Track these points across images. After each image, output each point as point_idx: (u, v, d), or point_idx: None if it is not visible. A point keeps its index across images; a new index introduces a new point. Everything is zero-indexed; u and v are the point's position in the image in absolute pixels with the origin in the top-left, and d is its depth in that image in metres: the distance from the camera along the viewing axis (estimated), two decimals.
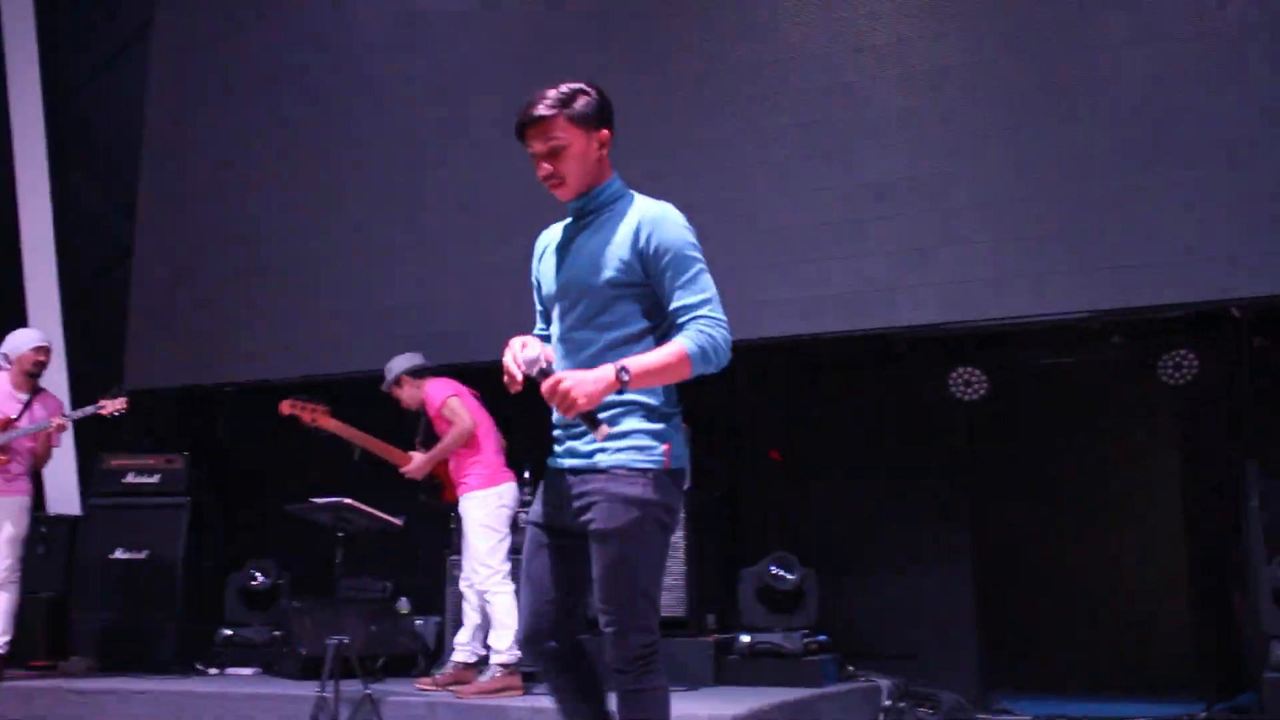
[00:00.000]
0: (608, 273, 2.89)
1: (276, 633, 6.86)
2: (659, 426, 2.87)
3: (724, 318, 2.86)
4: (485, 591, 5.81)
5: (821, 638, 6.21)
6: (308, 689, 5.64)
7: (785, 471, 7.02)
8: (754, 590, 6.31)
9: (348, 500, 5.53)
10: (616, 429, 2.82)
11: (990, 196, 6.07)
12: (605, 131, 3.00)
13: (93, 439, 8.20)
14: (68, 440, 7.92)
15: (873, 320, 6.25)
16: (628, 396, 2.82)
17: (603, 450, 2.83)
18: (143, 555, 7.31)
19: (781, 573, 6.27)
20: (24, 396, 6.70)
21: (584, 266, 2.94)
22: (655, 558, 2.88)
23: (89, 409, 6.62)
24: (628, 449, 2.82)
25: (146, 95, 8.58)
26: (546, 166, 2.96)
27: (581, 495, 2.85)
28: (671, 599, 6.30)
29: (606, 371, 2.71)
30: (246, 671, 6.88)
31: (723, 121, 6.71)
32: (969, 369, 6.27)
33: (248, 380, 7.80)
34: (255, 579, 7.18)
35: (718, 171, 6.67)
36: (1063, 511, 6.58)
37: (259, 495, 7.92)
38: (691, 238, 2.92)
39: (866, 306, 6.25)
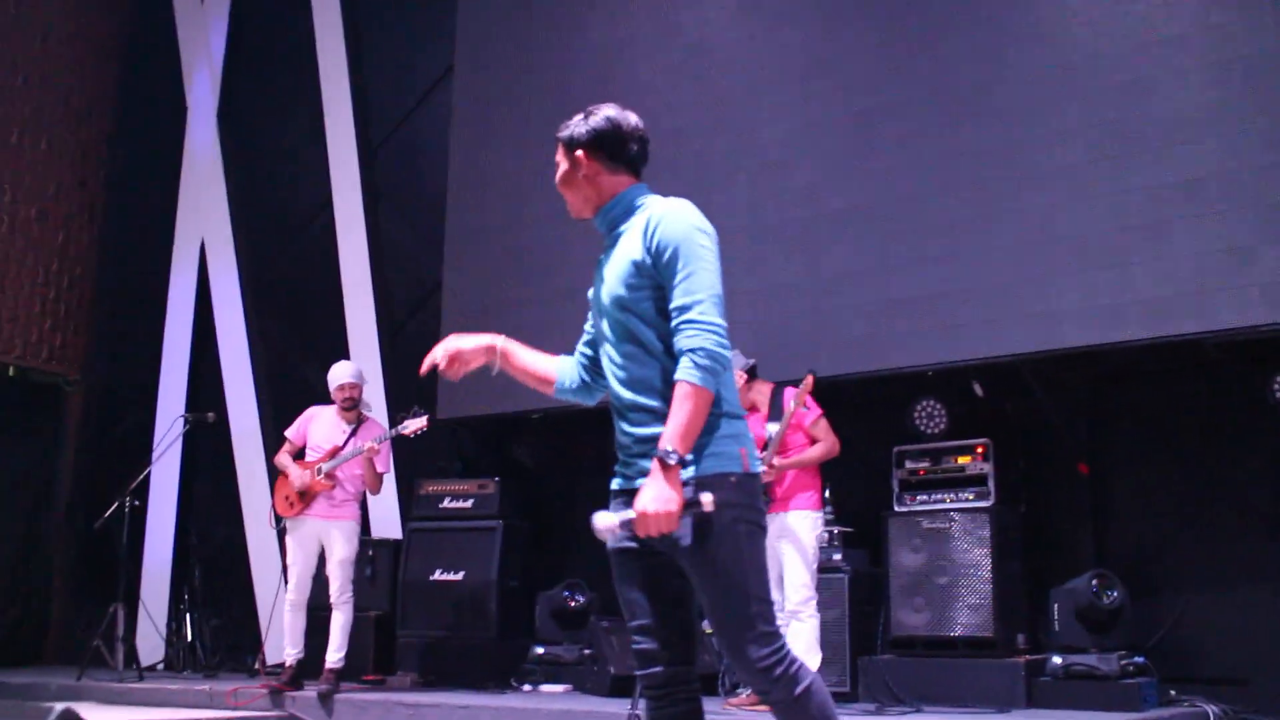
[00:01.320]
0: (629, 280, 2.91)
1: (586, 651, 7.07)
2: (731, 432, 2.82)
3: (715, 319, 2.79)
4: (797, 614, 5.79)
5: (1140, 659, 5.92)
6: (617, 706, 5.80)
7: (1093, 484, 6.74)
8: (1071, 609, 6.05)
9: None
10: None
11: None
12: (579, 154, 3.05)
13: (411, 467, 8.69)
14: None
15: (1182, 326, 5.94)
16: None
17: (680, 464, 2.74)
18: (460, 576, 7.67)
19: (1102, 591, 6.00)
20: (348, 427, 7.16)
21: (611, 284, 2.96)
22: (757, 561, 2.79)
23: (392, 431, 7.01)
24: (705, 458, 2.77)
25: (449, 137, 9.05)
26: (558, 184, 3.14)
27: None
28: (978, 619, 6.15)
29: (657, 474, 2.67)
30: (558, 689, 7.11)
31: (1011, 127, 6.54)
32: None
33: (549, 406, 8.06)
34: (566, 599, 7.42)
35: (1010, 180, 6.49)
36: None
37: (569, 517, 8.17)
38: (700, 234, 2.91)
39: (1175, 311, 5.95)
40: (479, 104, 8.94)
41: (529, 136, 8.51)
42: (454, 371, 3.18)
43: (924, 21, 6.97)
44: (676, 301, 2.83)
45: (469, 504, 7.90)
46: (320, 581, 7.04)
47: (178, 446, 9.66)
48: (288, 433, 7.33)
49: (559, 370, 3.24)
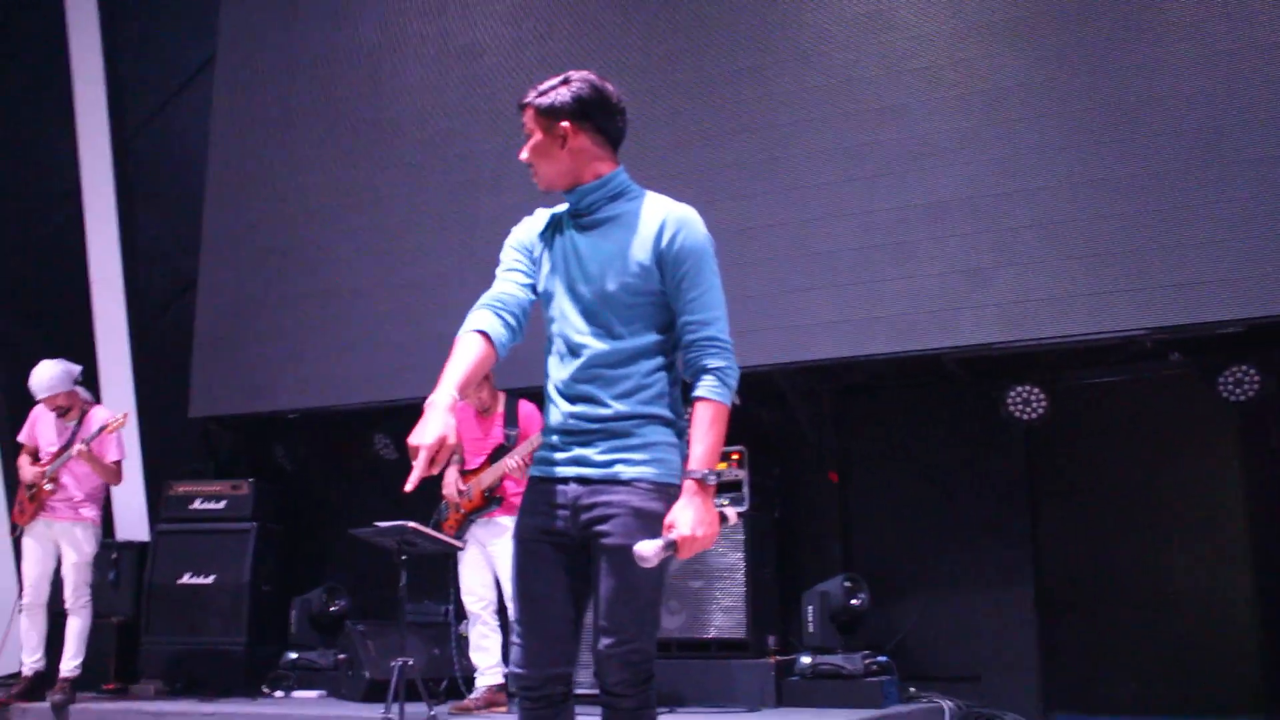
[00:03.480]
0: (626, 279, 2.77)
1: (341, 656, 6.95)
2: (676, 441, 2.79)
3: (730, 340, 2.79)
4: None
5: (882, 659, 6.20)
6: (373, 711, 5.73)
7: (841, 492, 7.03)
8: (822, 611, 6.29)
9: (411, 524, 5.62)
10: (637, 440, 2.74)
11: (1047, 215, 6.06)
12: (565, 124, 2.83)
13: (161, 468, 8.38)
14: (135, 468, 8.07)
15: (926, 341, 6.26)
16: (647, 409, 2.76)
17: (624, 461, 2.72)
18: (210, 580, 7.44)
19: (855, 593, 6.27)
20: (69, 425, 6.84)
21: (596, 273, 2.80)
22: (666, 576, 2.79)
23: (93, 433, 6.69)
24: (651, 462, 2.73)
25: (209, 131, 8.77)
26: (524, 154, 2.91)
27: (595, 506, 2.71)
28: (731, 621, 6.32)
29: (695, 497, 2.63)
30: (312, 694, 6.97)
31: (772, 143, 6.76)
32: (1027, 388, 6.24)
33: (308, 407, 7.91)
34: (321, 603, 7.28)
35: (768, 194, 6.71)
36: (1124, 530, 6.52)
37: (323, 520, 8.03)
38: (711, 246, 2.83)
39: (919, 327, 6.26)
40: (241, 97, 8.69)
41: (292, 133, 8.35)
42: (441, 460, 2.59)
43: (689, 36, 7.13)
44: (695, 316, 2.77)
45: (221, 505, 7.66)
46: (59, 586, 6.71)
47: None
48: (20, 437, 6.99)
49: (492, 348, 2.81)
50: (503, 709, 5.93)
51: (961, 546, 6.67)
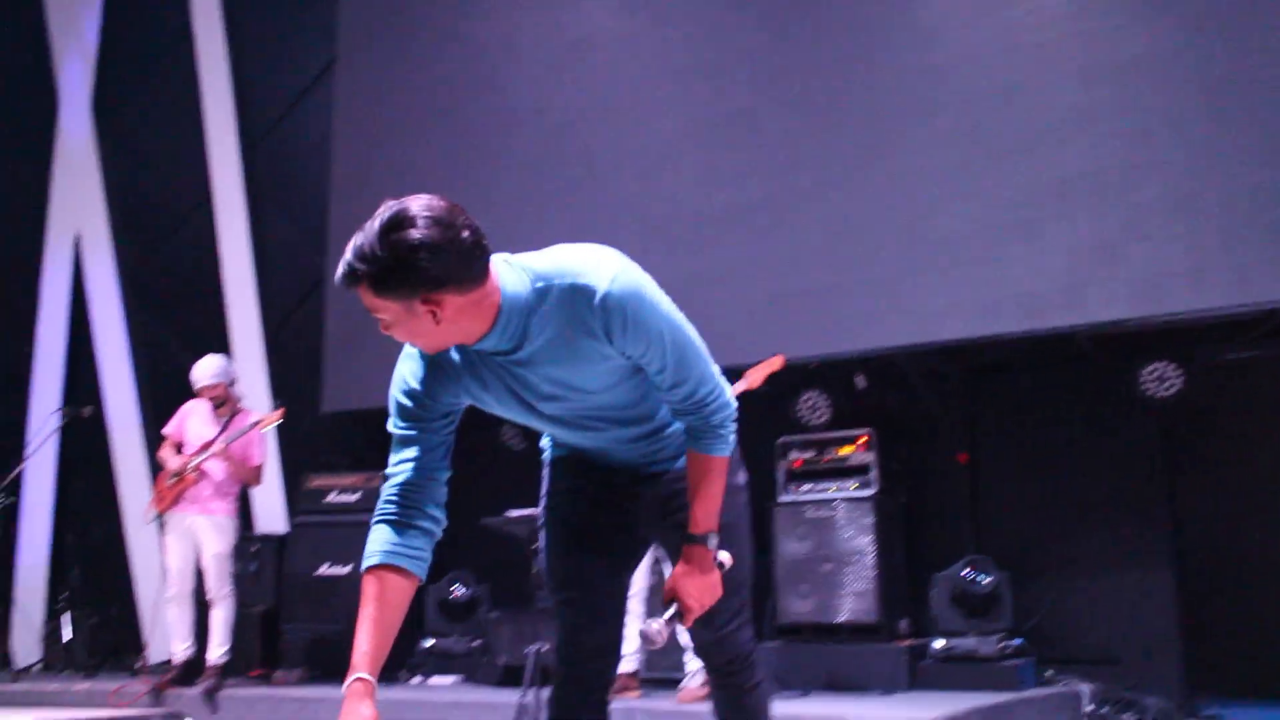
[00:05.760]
0: (610, 385, 2.38)
1: (476, 643, 7.08)
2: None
3: (712, 380, 2.41)
4: None
5: (1017, 641, 6.13)
6: (507, 696, 5.82)
7: (971, 473, 6.96)
8: (947, 594, 6.26)
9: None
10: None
11: (1179, 187, 5.92)
12: (436, 300, 2.13)
13: (297, 461, 8.61)
14: (272, 463, 8.29)
15: (1055, 320, 6.15)
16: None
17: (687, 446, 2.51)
18: (347, 570, 7.61)
19: (976, 576, 6.21)
20: (220, 421, 7.07)
21: (582, 392, 2.38)
22: (751, 543, 2.71)
23: (246, 426, 6.93)
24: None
25: (332, 131, 8.97)
26: (387, 329, 2.23)
27: (675, 493, 2.57)
28: (862, 604, 6.29)
29: (696, 563, 2.45)
30: (448, 680, 7.11)
31: (891, 127, 6.71)
32: (1162, 364, 6.10)
33: None
34: (455, 591, 7.42)
35: (890, 176, 6.65)
36: (1267, 509, 6.35)
37: (453, 510, 8.16)
38: (644, 289, 2.28)
39: (1049, 306, 6.16)
40: (362, 97, 8.88)
41: (412, 131, 8.49)
42: None
43: (804, 22, 7.09)
44: (670, 390, 2.37)
45: (356, 497, 7.83)
46: (202, 575, 6.94)
47: (53, 442, 9.43)
48: (165, 430, 7.23)
49: (409, 579, 2.40)
50: (635, 693, 5.97)
51: (1097, 527, 6.55)
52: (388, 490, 2.39)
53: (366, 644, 2.26)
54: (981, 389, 7.03)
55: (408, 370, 2.38)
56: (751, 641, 2.69)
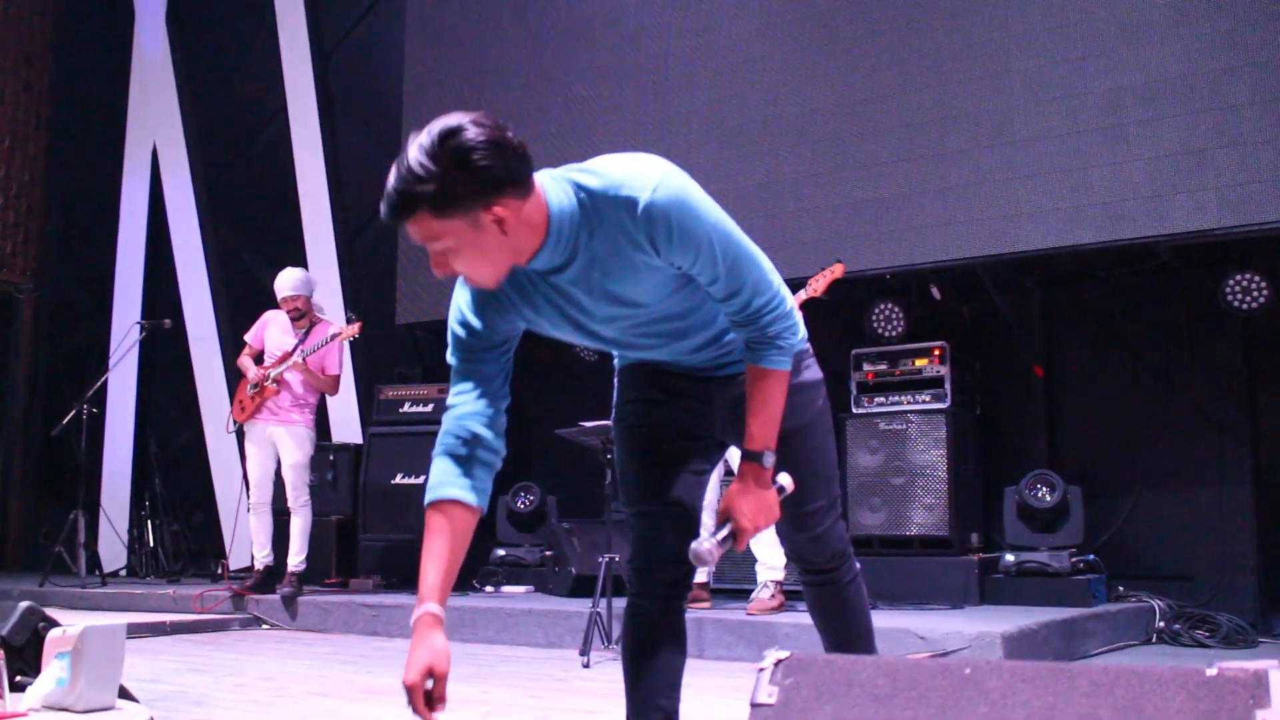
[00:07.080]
0: (668, 297, 2.31)
1: (548, 553, 7.15)
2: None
3: (773, 289, 2.31)
4: None
5: (1090, 557, 6.07)
6: (579, 605, 5.89)
7: (1047, 386, 6.85)
8: (1015, 509, 6.21)
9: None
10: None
11: (1272, 90, 5.70)
12: (495, 211, 2.07)
13: (372, 373, 8.70)
14: (347, 374, 8.36)
15: (1137, 229, 5.99)
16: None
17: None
18: (421, 480, 7.66)
19: (1042, 491, 6.14)
20: (299, 332, 7.14)
21: (641, 306, 2.32)
22: (832, 441, 2.63)
23: (325, 338, 6.99)
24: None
25: (404, 41, 8.92)
26: (443, 265, 2.15)
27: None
28: (933, 518, 6.26)
29: (751, 482, 2.35)
30: (520, 589, 7.21)
31: (970, 29, 6.52)
32: (1248, 275, 5.93)
33: None
34: (520, 502, 7.50)
35: (968, 82, 6.48)
36: None
37: (526, 421, 8.21)
38: (690, 194, 2.21)
39: (1130, 215, 6.00)
40: (434, 6, 8.80)
41: (485, 40, 8.42)
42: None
43: None
44: (726, 300, 2.30)
45: (429, 408, 7.92)
46: (281, 485, 7.07)
47: (134, 353, 9.61)
48: (246, 337, 7.31)
49: (470, 512, 2.30)
50: (705, 604, 6.01)
51: (1174, 441, 6.43)
52: (448, 421, 2.36)
53: (434, 576, 2.23)
54: (1058, 300, 6.89)
55: (462, 300, 2.36)
56: (845, 536, 2.66)
